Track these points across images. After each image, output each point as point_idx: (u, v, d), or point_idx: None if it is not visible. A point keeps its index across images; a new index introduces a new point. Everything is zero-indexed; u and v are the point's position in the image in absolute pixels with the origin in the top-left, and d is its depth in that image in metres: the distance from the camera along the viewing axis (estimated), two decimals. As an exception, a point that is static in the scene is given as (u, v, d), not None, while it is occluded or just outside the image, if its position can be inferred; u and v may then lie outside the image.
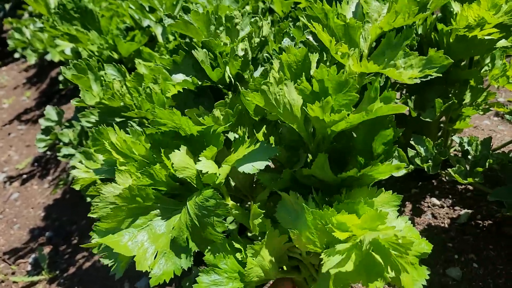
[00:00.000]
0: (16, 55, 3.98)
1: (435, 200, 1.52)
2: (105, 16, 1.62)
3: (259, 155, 0.89)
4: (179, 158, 0.87)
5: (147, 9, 1.58)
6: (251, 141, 0.91)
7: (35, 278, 1.89)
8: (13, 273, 1.98)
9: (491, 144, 1.24)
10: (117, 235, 0.82)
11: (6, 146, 3.18)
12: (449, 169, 1.21)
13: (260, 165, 0.89)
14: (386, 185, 1.63)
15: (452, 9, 1.34)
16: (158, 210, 0.89)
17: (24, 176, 2.75)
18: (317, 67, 0.74)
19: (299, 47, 1.24)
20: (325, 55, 0.84)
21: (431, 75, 1.33)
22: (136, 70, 1.36)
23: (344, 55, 0.67)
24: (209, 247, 0.85)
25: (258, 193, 1.06)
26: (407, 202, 1.55)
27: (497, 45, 1.26)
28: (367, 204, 0.81)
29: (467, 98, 1.47)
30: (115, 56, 1.55)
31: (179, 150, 0.87)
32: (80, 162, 1.17)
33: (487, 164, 1.14)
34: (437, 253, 1.35)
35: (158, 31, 1.48)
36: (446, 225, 1.43)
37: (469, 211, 1.44)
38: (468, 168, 1.21)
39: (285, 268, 1.01)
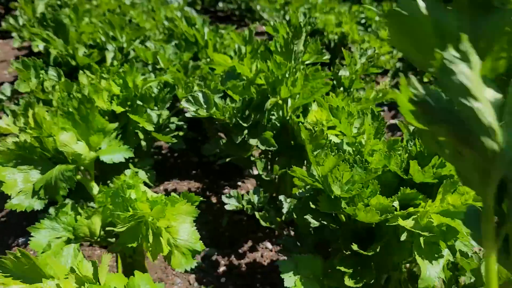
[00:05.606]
0: (14, 34, 4.41)
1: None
2: (76, 31, 2.07)
3: (117, 153, 1.31)
4: (64, 138, 1.27)
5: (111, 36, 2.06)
6: (116, 143, 1.33)
7: None
8: None
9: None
10: (4, 168, 1.20)
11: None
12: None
13: (117, 159, 1.30)
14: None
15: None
16: (40, 166, 1.27)
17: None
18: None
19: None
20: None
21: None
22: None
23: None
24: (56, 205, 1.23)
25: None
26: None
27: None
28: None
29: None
30: (73, 63, 1.98)
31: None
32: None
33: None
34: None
35: (109, 55, 1.93)
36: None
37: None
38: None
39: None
